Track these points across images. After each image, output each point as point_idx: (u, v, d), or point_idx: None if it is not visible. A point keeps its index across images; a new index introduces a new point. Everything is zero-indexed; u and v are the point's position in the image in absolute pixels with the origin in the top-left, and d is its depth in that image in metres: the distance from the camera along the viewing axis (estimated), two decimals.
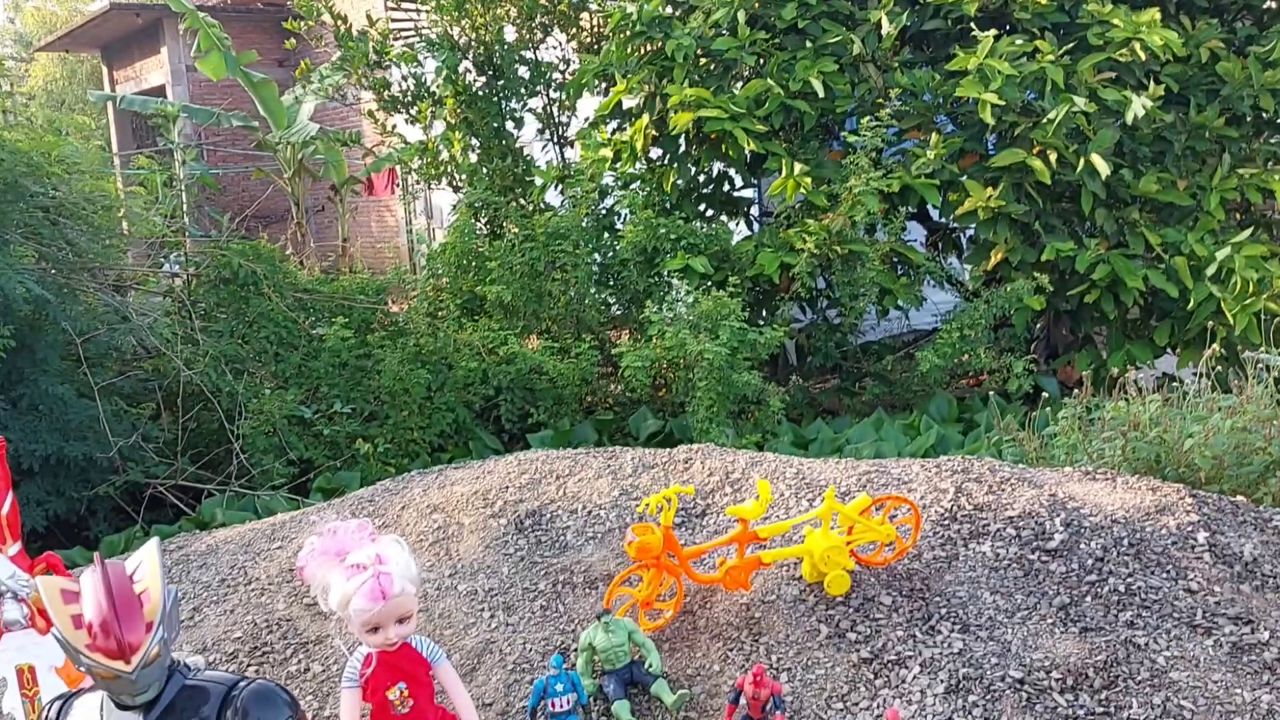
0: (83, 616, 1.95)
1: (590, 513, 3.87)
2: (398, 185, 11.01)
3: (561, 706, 3.06)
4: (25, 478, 7.03)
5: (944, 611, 3.24)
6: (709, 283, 7.70)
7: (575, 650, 3.29)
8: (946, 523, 3.59)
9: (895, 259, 7.92)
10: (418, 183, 10.05)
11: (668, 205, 8.39)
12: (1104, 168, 7.03)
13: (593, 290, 8.19)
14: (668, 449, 4.31)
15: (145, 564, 2.03)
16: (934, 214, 8.54)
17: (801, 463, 4.13)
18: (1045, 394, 7.76)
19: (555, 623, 3.43)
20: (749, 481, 3.96)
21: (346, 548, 2.97)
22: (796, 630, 3.25)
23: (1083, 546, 3.50)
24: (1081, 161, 7.14)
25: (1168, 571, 3.42)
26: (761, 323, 7.86)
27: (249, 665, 3.41)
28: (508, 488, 4.06)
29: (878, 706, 3.00)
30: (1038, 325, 8.44)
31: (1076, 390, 6.61)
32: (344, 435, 7.80)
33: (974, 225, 7.70)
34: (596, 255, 8.27)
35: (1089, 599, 3.32)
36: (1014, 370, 7.36)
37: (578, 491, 4.00)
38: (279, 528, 4.19)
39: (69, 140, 8.23)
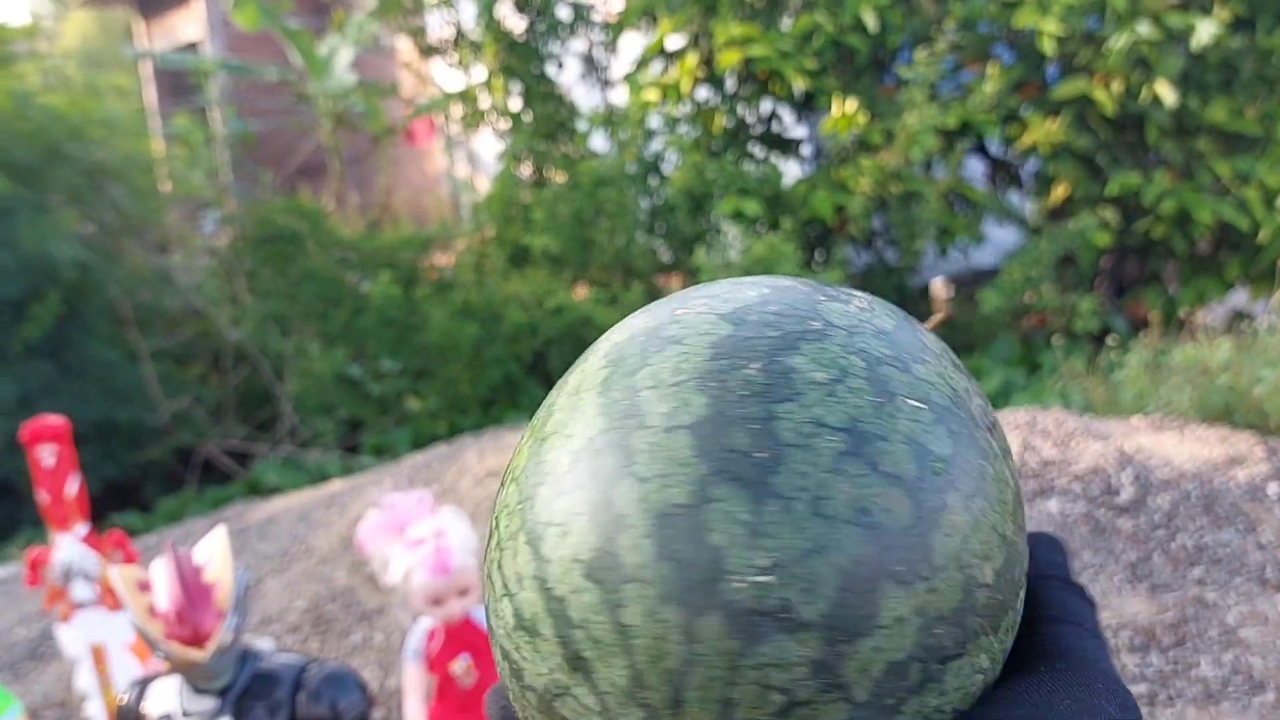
0: (156, 607, 2.04)
1: None
2: (439, 133, 11.04)
3: None
4: (77, 443, 7.24)
5: None
6: (761, 226, 7.69)
7: None
8: None
9: (954, 196, 7.85)
10: (460, 131, 10.07)
11: (716, 147, 8.35)
12: (1170, 97, 6.90)
13: (640, 237, 8.20)
14: None
15: (214, 552, 2.12)
16: (993, 148, 8.44)
17: None
18: (1113, 332, 7.71)
19: None
20: None
21: (406, 521, 3.06)
22: None
23: (1151, 502, 3.51)
24: (1146, 91, 7.02)
25: (1238, 526, 3.42)
26: (816, 266, 7.85)
27: (312, 636, 3.53)
28: None
29: None
30: (1102, 261, 8.35)
31: (1145, 328, 6.56)
32: (393, 393, 7.93)
33: (1036, 159, 7.61)
34: (644, 200, 8.27)
35: (1158, 556, 3.34)
36: (1080, 309, 7.29)
37: None
38: (336, 497, 4.30)
39: (107, 102, 8.34)
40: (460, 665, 3.04)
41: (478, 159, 11.11)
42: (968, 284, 8.69)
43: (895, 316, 0.50)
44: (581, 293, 8.41)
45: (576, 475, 0.43)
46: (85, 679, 2.98)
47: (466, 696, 3.08)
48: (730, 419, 0.42)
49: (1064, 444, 3.76)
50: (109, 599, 2.99)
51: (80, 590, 2.97)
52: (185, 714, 2.10)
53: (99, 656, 2.96)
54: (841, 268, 7.68)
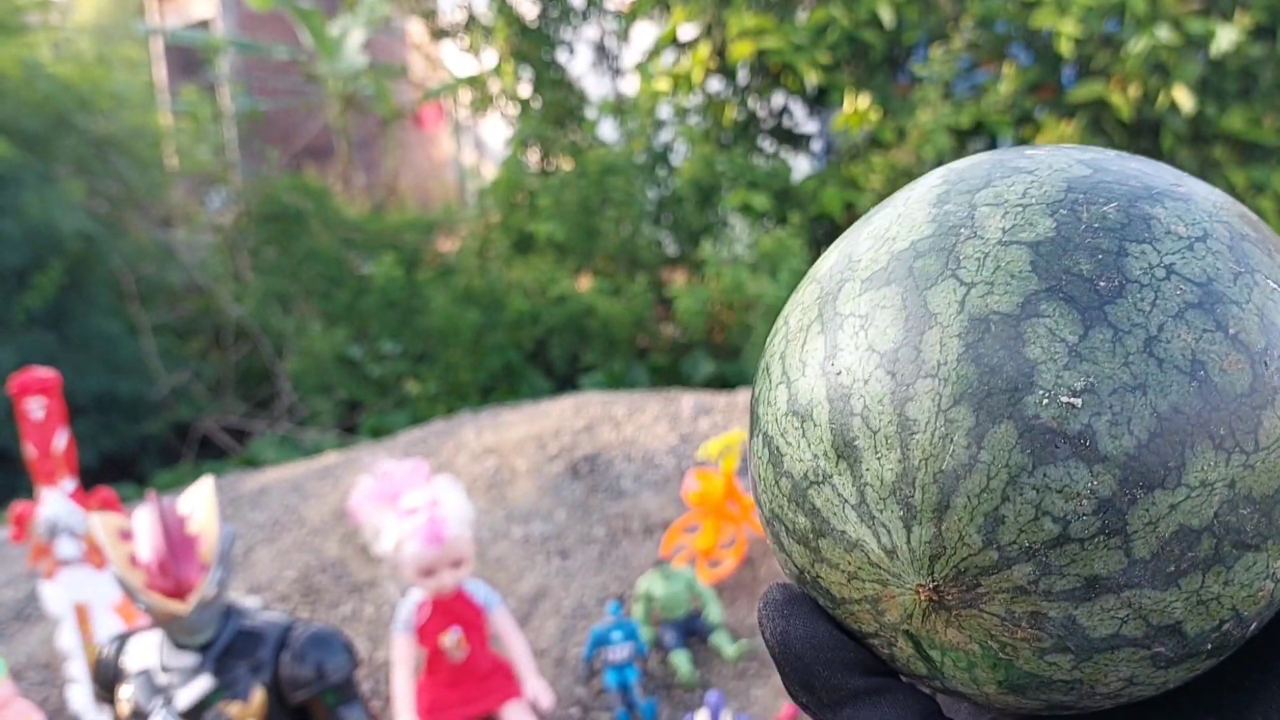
0: (138, 557, 1.96)
1: (647, 458, 3.84)
2: (447, 118, 10.96)
3: (618, 656, 3.06)
4: (76, 414, 7.14)
5: None
6: (769, 220, 7.60)
7: (632, 598, 3.28)
8: None
9: None
10: (468, 117, 10.00)
11: (726, 140, 8.27)
12: (1187, 103, 6.81)
13: (646, 228, 8.11)
14: (728, 391, 4.27)
15: (200, 504, 2.03)
16: None
17: None
18: None
19: (612, 569, 3.43)
20: None
21: (400, 490, 2.97)
22: None
23: None
24: (1163, 96, 6.93)
25: None
26: None
27: (301, 606, 3.44)
28: (563, 431, 4.05)
29: None
30: None
31: None
32: (393, 375, 7.84)
33: None
34: (651, 191, 8.18)
35: None
36: None
37: (635, 436, 3.97)
38: (330, 469, 4.21)
39: (116, 74, 8.26)
40: (451, 638, 2.95)
41: (485, 146, 11.03)
42: None
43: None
44: (585, 282, 8.31)
45: (891, 272, 0.42)
46: (67, 638, 2.89)
47: (457, 670, 2.99)
48: (1076, 244, 0.40)
49: None
50: (95, 557, 2.90)
51: (65, 547, 2.88)
52: (165, 669, 2.01)
53: (82, 615, 2.87)
54: None
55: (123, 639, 2.11)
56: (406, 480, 2.99)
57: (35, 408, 2.88)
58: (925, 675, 0.44)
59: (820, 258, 0.49)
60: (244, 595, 2.22)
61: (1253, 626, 0.42)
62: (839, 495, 0.42)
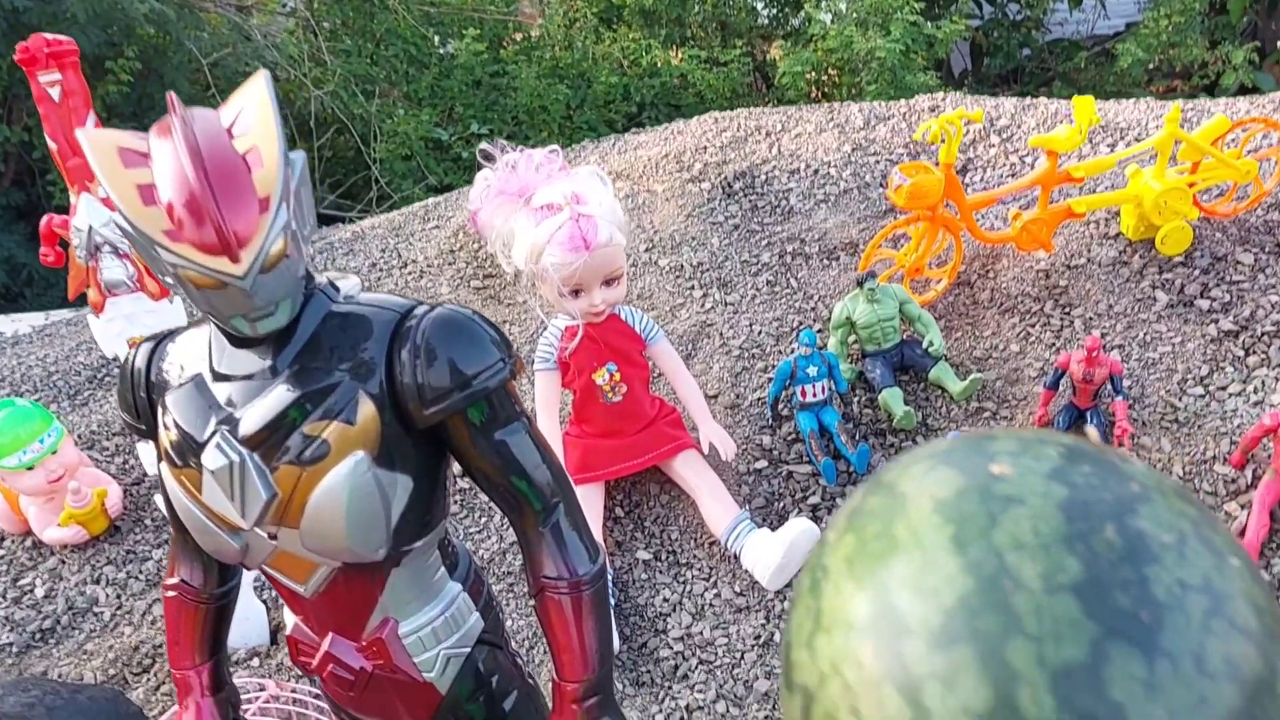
0: (155, 189, 1.07)
1: (818, 171, 2.88)
2: None
3: (814, 395, 2.19)
4: None
5: None
6: None
7: (827, 327, 2.39)
8: None
9: None
10: None
11: None
12: None
13: None
14: (904, 99, 3.25)
15: (250, 109, 1.12)
16: None
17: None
18: (1260, 92, 6.41)
19: (788, 300, 2.53)
20: (1020, 130, 2.90)
21: (532, 185, 2.07)
22: (1122, 299, 2.28)
23: None
24: None
25: None
26: (935, 18, 6.56)
27: None
28: (705, 148, 3.09)
29: (1254, 391, 2.06)
30: (1245, 20, 6.95)
31: None
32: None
33: None
34: None
35: None
36: (1233, 61, 6.00)
37: (796, 149, 3.00)
38: (432, 209, 3.33)
39: None
40: (604, 376, 2.09)
41: None
42: (1091, 49, 7.34)
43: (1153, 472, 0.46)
44: (677, 54, 7.22)
45: (954, 632, 0.40)
46: None
47: (613, 415, 2.12)
48: (1108, 581, 0.40)
49: None
50: (148, 282, 2.07)
51: (110, 269, 2.03)
52: (219, 376, 1.16)
53: None
54: (963, 19, 6.38)
55: (156, 340, 1.25)
56: (539, 173, 2.08)
57: (49, 85, 1.99)
58: None
59: (830, 598, 0.45)
60: (341, 274, 1.32)
61: None
62: None
